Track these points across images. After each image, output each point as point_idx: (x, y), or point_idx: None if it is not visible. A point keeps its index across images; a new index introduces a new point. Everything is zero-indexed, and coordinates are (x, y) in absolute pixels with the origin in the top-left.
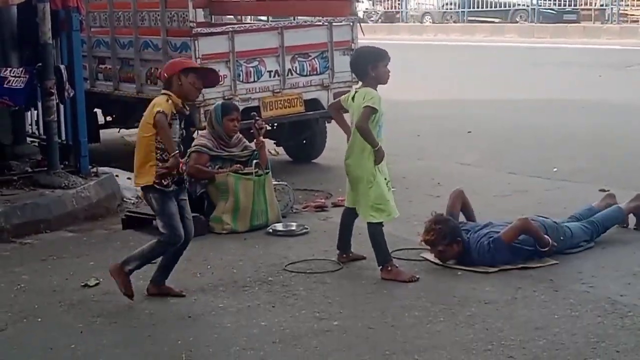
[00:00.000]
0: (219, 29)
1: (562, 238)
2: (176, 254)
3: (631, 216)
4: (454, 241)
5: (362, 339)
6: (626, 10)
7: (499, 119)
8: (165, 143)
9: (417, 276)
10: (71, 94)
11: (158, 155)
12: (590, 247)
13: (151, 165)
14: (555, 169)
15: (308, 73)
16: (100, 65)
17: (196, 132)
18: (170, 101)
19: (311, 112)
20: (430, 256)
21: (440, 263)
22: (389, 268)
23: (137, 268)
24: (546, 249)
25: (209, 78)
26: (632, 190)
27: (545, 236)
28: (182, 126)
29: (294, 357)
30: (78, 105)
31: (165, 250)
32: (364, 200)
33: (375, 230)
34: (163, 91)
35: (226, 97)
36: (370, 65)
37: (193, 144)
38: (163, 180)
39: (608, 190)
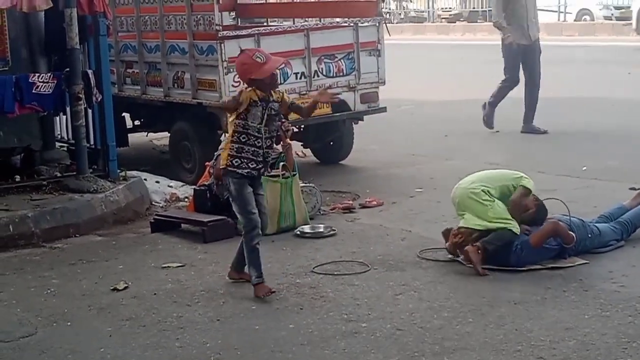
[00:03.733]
0: (244, 32)
1: (589, 236)
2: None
3: None
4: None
5: (391, 341)
6: None
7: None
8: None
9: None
10: (99, 99)
11: (235, 138)
12: (620, 246)
13: (225, 148)
14: (584, 168)
15: (334, 74)
16: (128, 70)
17: (223, 134)
18: (251, 90)
19: (338, 114)
20: (462, 255)
21: (470, 264)
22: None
23: (259, 271)
24: (571, 245)
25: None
26: None
27: (571, 232)
28: (269, 112)
29: (322, 359)
30: (106, 109)
31: (254, 237)
32: None
33: None
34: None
35: None
36: None
37: (220, 146)
38: (234, 161)
39: (639, 189)
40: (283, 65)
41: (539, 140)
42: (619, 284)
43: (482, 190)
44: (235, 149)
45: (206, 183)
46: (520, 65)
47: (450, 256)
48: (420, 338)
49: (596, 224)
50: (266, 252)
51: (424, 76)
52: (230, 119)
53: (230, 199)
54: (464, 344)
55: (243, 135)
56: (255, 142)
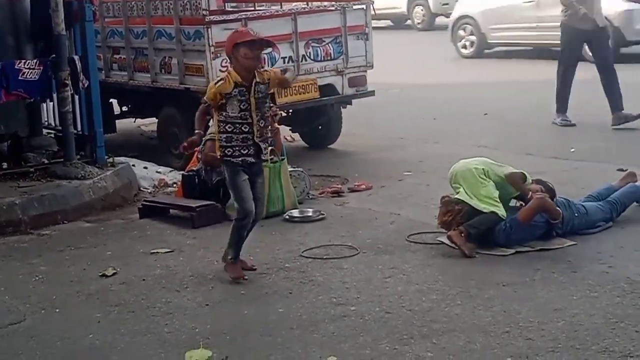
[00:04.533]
0: (232, 16)
1: (576, 215)
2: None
3: None
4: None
5: (380, 324)
6: None
7: (515, 101)
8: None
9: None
10: (86, 85)
11: (221, 128)
12: (608, 227)
13: (216, 138)
14: (572, 150)
15: (322, 58)
16: (115, 56)
17: (211, 119)
18: (221, 83)
19: (326, 98)
20: (447, 240)
21: (458, 246)
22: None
23: (237, 253)
24: (558, 221)
25: (264, 42)
26: None
27: (557, 208)
28: (255, 95)
29: (311, 343)
30: (93, 95)
31: (244, 225)
32: None
33: None
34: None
35: None
36: None
37: (208, 132)
38: (226, 151)
39: (626, 170)
40: (270, 49)
41: (526, 123)
42: (607, 264)
43: (483, 169)
44: (224, 139)
45: (194, 168)
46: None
47: (439, 239)
48: (409, 321)
49: (583, 203)
50: (255, 236)
51: (412, 60)
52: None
53: (226, 184)
54: (453, 326)
55: (228, 125)
56: (242, 128)
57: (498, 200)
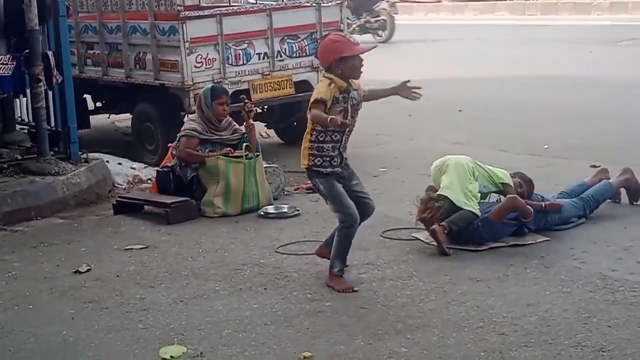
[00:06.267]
0: (206, 12)
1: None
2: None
3: (623, 190)
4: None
5: (354, 319)
6: None
7: (490, 97)
8: (319, 122)
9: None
10: (59, 80)
11: (314, 137)
12: (581, 223)
13: (305, 147)
14: (546, 146)
15: (297, 55)
16: (89, 51)
17: (186, 116)
18: (332, 85)
19: (301, 94)
20: (421, 235)
21: (432, 243)
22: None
23: (343, 265)
24: (529, 219)
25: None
26: (624, 165)
27: (529, 207)
28: (350, 102)
29: (285, 338)
30: (67, 91)
31: (351, 233)
32: None
33: None
34: (325, 75)
35: (215, 81)
36: None
37: (183, 128)
38: (316, 161)
39: (599, 166)
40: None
41: (501, 119)
42: (580, 260)
43: (473, 167)
44: (315, 148)
45: (169, 164)
46: None
47: (414, 235)
48: (384, 316)
49: (556, 200)
50: (230, 233)
51: (392, 56)
52: (310, 114)
53: (323, 198)
54: (427, 321)
55: (322, 134)
56: (333, 136)
57: (477, 200)
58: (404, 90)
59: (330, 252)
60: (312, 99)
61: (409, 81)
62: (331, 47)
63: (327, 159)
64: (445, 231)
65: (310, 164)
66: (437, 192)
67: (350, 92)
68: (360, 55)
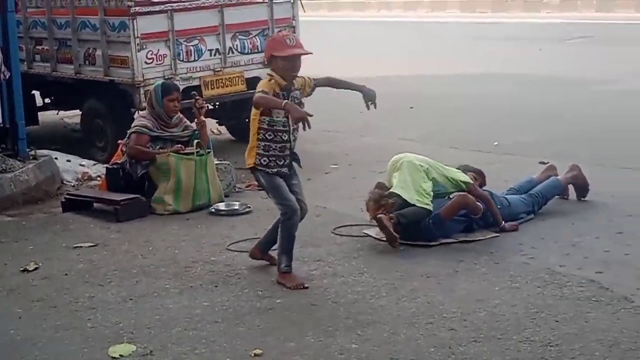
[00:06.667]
0: (157, 8)
1: (499, 207)
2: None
3: (571, 187)
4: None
5: (305, 316)
6: None
7: (441, 95)
8: (270, 105)
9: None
10: (7, 76)
11: (260, 135)
12: (530, 219)
13: (252, 146)
14: (496, 143)
15: (249, 51)
16: (37, 47)
17: (136, 112)
18: (273, 81)
19: (253, 91)
20: (372, 232)
21: (383, 239)
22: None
23: (289, 260)
24: (478, 216)
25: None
26: (571, 161)
27: (478, 204)
28: (292, 102)
29: (236, 336)
30: (14, 87)
31: (293, 225)
32: None
33: None
34: (268, 72)
35: (166, 77)
36: None
37: (133, 124)
38: (262, 160)
39: (548, 163)
40: (307, 54)
41: (451, 116)
42: (529, 256)
43: (427, 169)
44: (262, 147)
45: (119, 161)
46: None
47: (365, 232)
48: (334, 313)
49: (506, 196)
50: (180, 230)
51: (341, 53)
52: (253, 115)
53: (265, 191)
54: (377, 317)
55: (269, 133)
56: (282, 136)
57: (430, 197)
58: (368, 96)
59: (262, 253)
60: (255, 94)
61: (374, 94)
62: (268, 44)
63: (274, 159)
64: (392, 221)
65: (257, 163)
66: (390, 190)
67: (292, 91)
68: (292, 57)
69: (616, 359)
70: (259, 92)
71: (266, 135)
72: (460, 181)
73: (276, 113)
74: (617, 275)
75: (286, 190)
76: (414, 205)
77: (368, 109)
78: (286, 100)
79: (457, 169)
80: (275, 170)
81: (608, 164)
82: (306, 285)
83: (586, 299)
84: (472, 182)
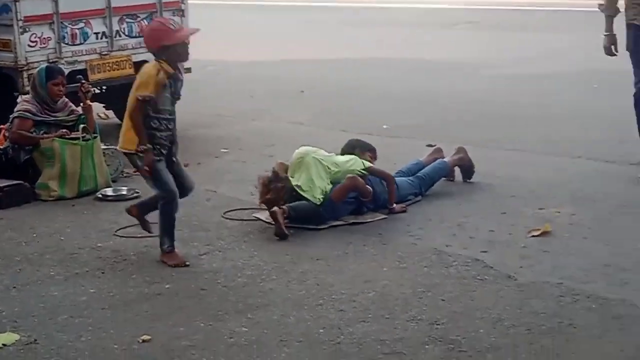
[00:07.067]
0: None
1: (387, 189)
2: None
3: (457, 169)
4: (292, 199)
5: (194, 301)
6: None
7: (330, 79)
8: (135, 130)
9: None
10: None
11: (146, 123)
12: (417, 201)
13: (128, 128)
14: (385, 126)
15: (137, 34)
16: None
17: (19, 96)
18: (161, 72)
19: None
20: (262, 216)
21: (273, 223)
22: None
23: (172, 240)
24: (368, 199)
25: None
26: (457, 144)
27: (368, 187)
28: (177, 89)
29: (124, 322)
30: None
31: (172, 209)
32: None
33: None
34: (155, 59)
35: (51, 60)
36: None
37: (16, 109)
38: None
39: (434, 145)
40: (196, 31)
41: (341, 100)
42: (416, 237)
43: (328, 165)
44: (148, 135)
45: (1, 147)
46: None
47: (255, 215)
48: (224, 297)
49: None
50: (66, 216)
51: (231, 37)
52: (132, 100)
53: (142, 176)
54: (267, 300)
55: (154, 121)
56: (168, 125)
57: (323, 193)
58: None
59: (139, 212)
60: (138, 90)
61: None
62: (152, 36)
63: (158, 147)
64: (285, 215)
65: (139, 150)
66: (294, 185)
67: (178, 77)
68: (184, 43)
69: (500, 335)
70: (145, 98)
71: (151, 122)
72: (362, 169)
73: (162, 102)
74: (501, 254)
75: (166, 174)
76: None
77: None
78: (146, 147)
79: (349, 144)
80: (159, 158)
81: (492, 145)
82: (187, 262)
83: (471, 277)
84: (371, 165)
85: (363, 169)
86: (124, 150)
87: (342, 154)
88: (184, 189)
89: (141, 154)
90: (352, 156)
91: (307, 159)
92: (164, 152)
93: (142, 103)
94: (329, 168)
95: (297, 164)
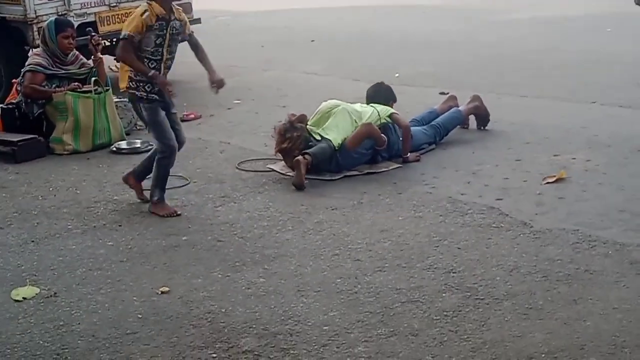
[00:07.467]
0: None
1: (400, 139)
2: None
3: (472, 117)
4: (307, 148)
5: (211, 253)
6: None
7: (341, 27)
8: (134, 68)
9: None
10: None
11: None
12: (431, 149)
13: (126, 70)
14: (397, 74)
15: None
16: None
17: (30, 50)
18: (147, 13)
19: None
20: (277, 167)
21: (288, 174)
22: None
23: (162, 192)
24: (382, 147)
25: None
26: (471, 91)
27: (382, 135)
28: (171, 31)
29: (142, 275)
30: None
31: (169, 163)
32: None
33: None
34: (147, 1)
35: (60, 13)
36: None
37: (27, 62)
38: (132, 84)
39: (448, 93)
40: None
41: (353, 49)
42: (431, 185)
43: (356, 119)
44: (132, 72)
45: (14, 101)
46: None
47: (269, 166)
48: (241, 248)
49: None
50: (81, 170)
51: None
52: (121, 56)
53: (145, 124)
54: (284, 251)
55: (142, 60)
56: (149, 64)
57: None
58: (216, 82)
59: (135, 181)
60: (122, 33)
61: (222, 81)
62: None
63: (142, 84)
64: (308, 165)
65: (128, 86)
66: (318, 132)
67: (172, 20)
68: None
69: (516, 282)
70: (125, 36)
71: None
72: (387, 116)
73: (145, 42)
74: (516, 201)
75: (167, 128)
76: (319, 141)
77: (215, 93)
78: (153, 71)
79: (377, 88)
80: (144, 95)
81: (505, 92)
82: (178, 212)
83: (487, 225)
84: (395, 112)
85: (387, 116)
86: (121, 90)
87: (368, 96)
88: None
89: (132, 91)
90: (379, 106)
91: (337, 110)
92: (147, 89)
93: (123, 41)
94: (355, 122)
95: (326, 114)
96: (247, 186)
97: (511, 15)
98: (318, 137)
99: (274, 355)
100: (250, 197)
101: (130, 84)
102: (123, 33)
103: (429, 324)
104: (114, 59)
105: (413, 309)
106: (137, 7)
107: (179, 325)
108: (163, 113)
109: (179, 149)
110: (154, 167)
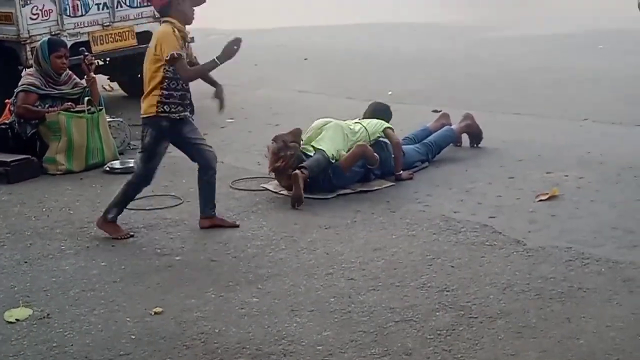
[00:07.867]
0: None
1: (393, 156)
2: (210, 184)
3: (465, 135)
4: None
5: (205, 273)
6: None
7: (334, 45)
8: (205, 74)
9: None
10: None
11: (165, 84)
12: (424, 167)
13: (153, 95)
14: (390, 92)
15: (139, 4)
16: None
17: (23, 70)
18: (176, 32)
19: (144, 45)
20: (270, 186)
21: (282, 192)
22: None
23: (118, 214)
24: (375, 166)
25: None
26: (464, 109)
27: (375, 154)
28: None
29: (135, 295)
30: None
31: (138, 190)
32: None
33: None
34: (164, 19)
35: (53, 33)
36: None
37: (20, 83)
38: (165, 107)
39: (440, 111)
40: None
41: (346, 67)
42: (424, 203)
43: (348, 134)
44: (165, 96)
45: (7, 121)
46: None
47: (263, 185)
48: (235, 267)
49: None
50: (74, 190)
51: (234, 5)
52: (155, 65)
53: (142, 146)
54: (277, 270)
55: (173, 82)
56: (184, 85)
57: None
58: (218, 94)
59: (210, 220)
60: (167, 55)
61: (222, 93)
62: None
63: (174, 106)
64: (305, 180)
65: (159, 111)
66: (312, 144)
67: (187, 38)
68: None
69: (510, 300)
70: (176, 56)
71: (170, 84)
72: (381, 130)
73: None
74: (509, 219)
75: (158, 161)
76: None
77: (220, 110)
78: (217, 56)
79: (376, 107)
80: (177, 115)
81: (498, 110)
82: (131, 234)
83: (480, 243)
84: (389, 126)
85: (381, 130)
86: (143, 116)
87: (365, 114)
88: (207, 163)
89: (165, 114)
90: (374, 120)
91: (329, 125)
92: (180, 110)
93: (179, 62)
94: (347, 136)
95: (318, 131)
96: (241, 205)
97: (503, 33)
98: (311, 153)
99: None
100: (244, 216)
101: (164, 107)
102: (169, 54)
103: (423, 343)
104: (107, 79)
105: (407, 328)
106: (130, 27)
107: (173, 346)
108: (165, 145)
109: (213, 166)
110: (123, 186)
